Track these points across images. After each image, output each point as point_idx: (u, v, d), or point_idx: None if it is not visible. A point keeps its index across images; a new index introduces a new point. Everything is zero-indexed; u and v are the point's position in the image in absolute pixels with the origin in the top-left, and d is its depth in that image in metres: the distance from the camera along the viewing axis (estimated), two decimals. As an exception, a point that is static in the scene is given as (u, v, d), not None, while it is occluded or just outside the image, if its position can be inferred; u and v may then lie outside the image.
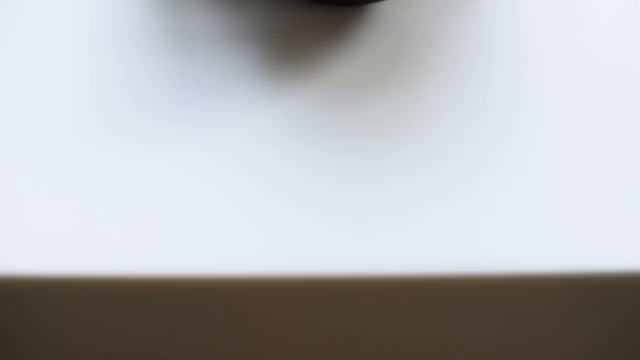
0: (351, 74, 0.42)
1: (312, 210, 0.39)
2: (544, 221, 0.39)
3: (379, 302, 0.39)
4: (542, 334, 0.41)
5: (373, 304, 0.39)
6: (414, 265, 0.38)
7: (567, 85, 0.42)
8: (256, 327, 0.40)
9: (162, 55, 0.42)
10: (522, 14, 0.43)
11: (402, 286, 0.38)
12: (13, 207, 0.39)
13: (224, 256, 0.38)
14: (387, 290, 0.38)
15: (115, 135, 0.40)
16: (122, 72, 0.42)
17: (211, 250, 0.38)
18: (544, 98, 0.41)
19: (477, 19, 0.43)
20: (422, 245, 0.38)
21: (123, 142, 0.40)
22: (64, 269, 0.38)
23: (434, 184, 0.39)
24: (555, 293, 0.39)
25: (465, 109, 0.41)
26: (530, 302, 0.39)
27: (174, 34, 0.42)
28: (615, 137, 0.41)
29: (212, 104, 0.41)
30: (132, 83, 0.41)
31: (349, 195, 0.39)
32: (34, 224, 0.39)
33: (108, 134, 0.40)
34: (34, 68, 0.42)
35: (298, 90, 0.41)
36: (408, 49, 0.42)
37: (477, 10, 0.43)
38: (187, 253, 0.38)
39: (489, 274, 0.38)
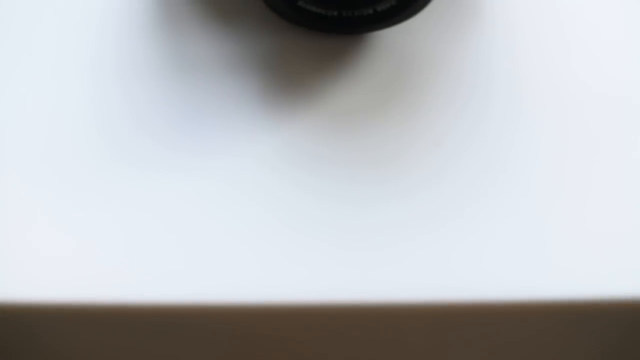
0: (351, 102, 0.42)
1: (313, 238, 0.39)
2: (545, 248, 0.39)
3: (379, 330, 0.39)
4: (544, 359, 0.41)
5: (374, 332, 0.39)
6: (415, 293, 0.38)
7: (565, 114, 0.42)
8: (256, 355, 0.40)
9: (164, 84, 0.42)
10: (519, 44, 0.44)
11: (402, 313, 0.38)
12: (14, 233, 0.39)
13: (225, 284, 0.38)
14: (388, 317, 0.38)
15: (117, 163, 0.41)
16: (124, 100, 0.42)
17: (211, 278, 0.38)
18: (542, 126, 0.42)
19: (475, 47, 0.43)
20: (423, 272, 0.38)
21: (124, 169, 0.41)
22: (64, 295, 0.38)
23: (434, 210, 0.40)
24: (556, 319, 0.39)
25: (464, 136, 0.41)
26: (532, 328, 0.40)
27: (175, 63, 0.43)
28: (613, 165, 0.41)
29: (213, 132, 0.41)
30: (134, 111, 0.42)
31: (349, 223, 0.39)
32: (34, 250, 0.39)
33: (109, 162, 0.41)
34: (38, 95, 0.42)
35: (298, 117, 0.42)
36: (407, 77, 0.43)
37: (474, 39, 0.44)
38: (187, 280, 0.38)
39: (490, 301, 0.38)
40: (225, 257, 0.39)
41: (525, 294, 0.38)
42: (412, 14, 0.41)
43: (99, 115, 0.42)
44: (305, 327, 0.39)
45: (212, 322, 0.39)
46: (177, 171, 0.41)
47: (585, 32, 0.44)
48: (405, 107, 0.42)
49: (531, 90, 0.43)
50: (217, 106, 0.42)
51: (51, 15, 0.44)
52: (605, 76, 0.43)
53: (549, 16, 0.44)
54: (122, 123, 0.42)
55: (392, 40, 0.44)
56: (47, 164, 0.41)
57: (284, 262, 0.39)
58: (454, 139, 0.41)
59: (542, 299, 0.38)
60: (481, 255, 0.39)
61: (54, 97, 0.42)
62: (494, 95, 0.43)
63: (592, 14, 0.44)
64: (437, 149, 0.41)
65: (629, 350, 0.41)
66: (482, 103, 0.42)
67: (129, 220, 0.39)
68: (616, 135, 0.42)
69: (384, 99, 0.42)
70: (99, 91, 0.42)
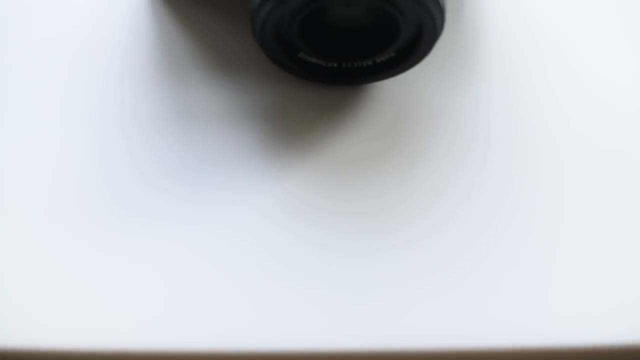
0: (351, 151, 0.43)
1: (313, 287, 0.39)
2: (544, 296, 0.39)
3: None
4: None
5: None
6: (416, 341, 0.38)
7: (561, 165, 0.43)
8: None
9: (167, 133, 0.43)
10: (515, 95, 0.44)
11: (402, 362, 0.39)
12: (17, 282, 0.40)
13: (226, 332, 0.39)
14: (388, 366, 0.39)
15: (120, 212, 0.41)
16: (127, 149, 0.43)
17: (212, 327, 0.39)
18: (539, 176, 0.42)
19: (472, 98, 0.44)
20: (423, 322, 0.39)
21: (127, 219, 0.41)
22: (68, 343, 0.38)
23: (434, 260, 0.40)
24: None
25: (463, 186, 0.42)
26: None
27: (178, 113, 0.43)
28: (610, 214, 0.41)
29: (214, 181, 0.42)
30: (137, 160, 0.42)
31: (349, 272, 0.40)
32: (37, 298, 0.39)
33: (112, 210, 0.41)
34: (42, 144, 0.43)
35: (298, 167, 0.42)
36: (406, 127, 0.43)
37: (472, 90, 0.44)
38: (187, 329, 0.39)
39: (492, 349, 0.38)
40: (225, 305, 0.39)
41: (525, 341, 0.39)
42: (410, 66, 0.42)
43: (102, 164, 0.42)
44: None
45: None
46: (179, 220, 0.41)
47: (581, 84, 0.45)
48: (405, 157, 0.43)
49: (528, 141, 0.43)
50: (219, 155, 0.42)
51: (56, 67, 0.45)
52: (600, 128, 0.44)
53: (546, 68, 0.45)
54: (125, 172, 0.42)
55: (391, 91, 0.44)
56: (52, 212, 0.41)
57: (284, 311, 0.39)
58: (452, 189, 0.42)
59: (541, 346, 0.39)
60: (482, 305, 0.39)
61: (59, 147, 0.43)
62: (491, 145, 0.43)
63: (588, 65, 0.45)
64: (437, 198, 0.42)
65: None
66: (480, 153, 0.43)
67: (131, 268, 0.40)
68: (612, 186, 0.42)
69: (384, 149, 0.43)
70: (103, 140, 0.43)
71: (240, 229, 0.41)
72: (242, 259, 0.40)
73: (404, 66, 0.42)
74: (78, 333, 0.38)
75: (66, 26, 0.46)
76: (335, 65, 0.42)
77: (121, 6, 0.47)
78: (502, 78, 0.45)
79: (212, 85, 0.44)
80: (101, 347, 0.38)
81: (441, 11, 0.39)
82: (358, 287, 0.39)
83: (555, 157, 0.43)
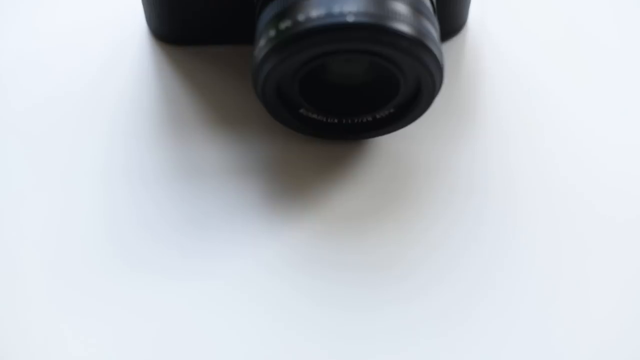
0: (351, 206, 0.43)
1: (314, 341, 0.40)
2: (543, 351, 0.40)
3: None
4: None
5: None
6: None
7: (558, 220, 0.43)
8: None
9: (170, 188, 0.43)
10: (513, 150, 0.45)
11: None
12: (19, 334, 0.40)
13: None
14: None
15: (123, 266, 0.41)
16: (131, 205, 0.43)
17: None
18: (536, 230, 0.43)
19: (470, 153, 0.45)
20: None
21: (130, 273, 0.41)
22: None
23: (434, 314, 0.40)
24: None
25: (462, 240, 0.42)
26: None
27: (181, 168, 0.44)
28: (607, 268, 0.42)
29: (216, 236, 0.42)
30: (141, 216, 0.43)
31: (350, 327, 0.40)
32: (40, 352, 0.39)
33: (116, 265, 0.41)
34: (47, 200, 0.43)
35: (299, 221, 0.43)
36: (405, 182, 0.44)
37: (470, 145, 0.45)
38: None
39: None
40: (228, 359, 0.39)
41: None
42: (410, 122, 0.43)
43: (106, 218, 0.43)
44: None
45: None
46: (182, 274, 0.41)
47: (577, 141, 0.45)
48: (404, 211, 0.43)
49: (526, 196, 0.44)
50: (221, 210, 0.43)
51: (62, 122, 0.46)
52: (595, 183, 0.44)
53: (543, 123, 0.46)
54: (128, 227, 0.43)
55: (391, 146, 0.45)
56: (56, 266, 0.41)
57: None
58: (452, 243, 0.42)
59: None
60: (482, 359, 0.39)
61: (63, 201, 0.43)
62: (490, 200, 0.44)
63: (584, 122, 0.46)
64: (436, 253, 0.42)
65: None
66: (479, 207, 0.43)
67: (135, 323, 0.40)
68: (609, 240, 0.43)
69: (383, 203, 0.43)
70: (107, 195, 0.43)
71: (242, 283, 0.41)
72: (243, 313, 0.40)
73: (403, 122, 0.43)
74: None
75: (71, 82, 0.47)
76: (336, 121, 0.43)
77: (125, 63, 0.47)
78: (499, 133, 0.45)
79: (215, 140, 0.45)
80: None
81: (439, 68, 0.40)
82: (359, 341, 0.40)
83: (552, 212, 0.43)
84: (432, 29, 0.40)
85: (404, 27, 0.38)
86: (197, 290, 0.41)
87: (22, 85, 0.47)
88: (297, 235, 0.42)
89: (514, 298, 0.41)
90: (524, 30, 0.49)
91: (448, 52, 0.47)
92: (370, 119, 0.43)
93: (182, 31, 0.47)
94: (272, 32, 0.39)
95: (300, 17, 0.38)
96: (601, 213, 0.43)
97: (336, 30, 0.38)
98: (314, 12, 0.38)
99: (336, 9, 0.38)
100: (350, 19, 0.38)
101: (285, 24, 0.38)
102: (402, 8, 0.39)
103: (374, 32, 0.38)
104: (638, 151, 0.45)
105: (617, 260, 0.42)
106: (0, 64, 0.47)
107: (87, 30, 0.48)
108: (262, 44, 0.39)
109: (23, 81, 0.47)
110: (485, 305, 0.41)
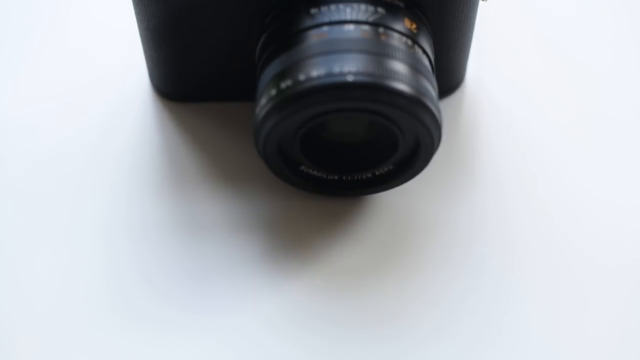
0: (351, 261, 0.44)
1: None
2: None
3: None
4: None
5: None
6: None
7: (557, 274, 0.43)
8: None
9: (172, 243, 0.44)
10: (511, 205, 0.45)
11: None
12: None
13: None
14: None
15: (125, 321, 0.42)
16: (132, 260, 0.43)
17: None
18: (535, 284, 0.43)
19: (468, 208, 0.45)
20: None
21: (131, 327, 0.42)
22: None
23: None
24: None
25: (461, 295, 0.43)
26: None
27: (183, 223, 0.44)
28: (605, 321, 0.42)
29: (217, 291, 0.43)
30: (142, 271, 0.43)
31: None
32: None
33: (118, 320, 0.42)
34: (50, 254, 0.44)
35: (300, 277, 0.43)
36: (404, 237, 0.44)
37: (468, 200, 0.45)
38: None
39: None
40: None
41: None
42: (409, 178, 0.43)
43: (108, 274, 0.43)
44: None
45: None
46: (183, 329, 0.41)
47: (573, 196, 0.46)
48: (404, 267, 0.43)
49: (523, 249, 0.44)
50: (222, 265, 0.43)
51: (65, 177, 0.46)
52: (591, 237, 0.44)
53: (539, 177, 0.46)
54: (130, 282, 0.43)
55: (390, 201, 0.45)
56: (58, 319, 0.42)
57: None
58: (450, 298, 0.42)
59: None
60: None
61: (66, 258, 0.44)
62: (488, 254, 0.44)
63: (580, 178, 0.46)
64: (435, 308, 0.42)
65: None
66: (478, 262, 0.44)
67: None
68: (605, 289, 0.43)
69: (383, 259, 0.44)
70: (109, 251, 0.44)
71: (243, 338, 0.41)
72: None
73: (402, 178, 0.43)
74: None
75: (76, 138, 0.47)
76: (336, 177, 0.44)
77: (129, 119, 0.48)
78: (497, 188, 0.46)
79: (217, 196, 0.45)
80: None
81: (438, 126, 0.40)
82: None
83: (550, 266, 0.44)
84: (430, 88, 0.40)
85: (402, 86, 0.39)
86: (198, 346, 0.41)
87: (27, 141, 0.47)
88: (297, 291, 0.43)
89: (515, 350, 0.41)
90: (520, 87, 0.49)
91: (446, 108, 0.47)
92: (370, 175, 0.43)
93: (184, 89, 0.48)
94: (273, 91, 0.39)
95: (301, 77, 0.39)
96: (596, 261, 0.44)
97: (336, 90, 0.38)
98: (315, 72, 0.39)
99: (336, 69, 0.38)
100: (350, 78, 0.38)
101: (286, 83, 0.39)
102: (400, 67, 0.39)
103: (373, 91, 0.38)
104: (627, 203, 0.45)
105: (614, 307, 0.42)
106: (7, 119, 0.48)
107: (91, 86, 0.49)
108: (263, 103, 0.40)
109: (28, 137, 0.47)
110: (486, 359, 0.41)
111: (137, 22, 0.45)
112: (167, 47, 0.45)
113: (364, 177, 0.44)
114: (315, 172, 0.43)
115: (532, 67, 0.50)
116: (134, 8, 0.44)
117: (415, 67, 0.40)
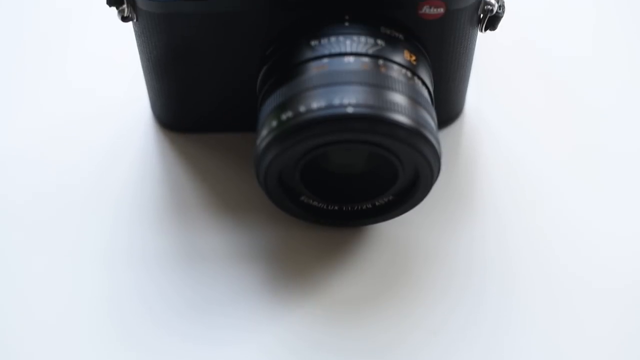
0: (351, 291, 0.44)
1: None
2: None
3: None
4: None
5: None
6: None
7: (556, 303, 0.44)
8: None
9: (172, 273, 0.44)
10: (510, 235, 0.45)
11: None
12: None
13: None
14: None
15: (125, 351, 0.42)
16: (133, 290, 0.44)
17: None
18: (535, 314, 0.43)
19: (468, 239, 0.45)
20: None
21: (131, 356, 0.42)
22: None
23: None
24: None
25: (459, 326, 0.43)
26: None
27: (184, 253, 0.45)
28: (604, 349, 0.42)
29: (218, 321, 0.43)
30: (143, 301, 0.43)
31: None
32: None
33: (118, 349, 0.42)
34: (52, 285, 0.44)
35: (300, 307, 0.43)
36: (404, 267, 0.45)
37: (467, 230, 0.46)
38: None
39: None
40: None
41: None
42: (408, 208, 0.44)
43: (110, 304, 0.43)
44: None
45: None
46: (183, 359, 0.42)
47: (571, 225, 0.46)
48: (404, 296, 0.44)
49: (523, 280, 0.44)
50: (223, 295, 0.43)
51: (68, 208, 0.46)
52: (592, 267, 0.45)
53: (537, 207, 0.47)
54: (131, 312, 0.43)
55: (390, 231, 0.45)
56: (59, 349, 0.42)
57: None
58: (451, 327, 0.43)
59: None
60: None
61: (68, 286, 0.44)
62: (488, 284, 0.44)
63: (577, 207, 0.47)
64: (435, 338, 0.42)
65: None
66: (477, 292, 0.44)
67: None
68: (604, 316, 0.43)
69: (383, 289, 0.44)
70: (111, 280, 0.44)
71: (244, 369, 0.42)
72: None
73: (402, 208, 0.44)
74: None
75: (78, 168, 0.48)
76: (336, 208, 0.44)
77: (131, 150, 0.48)
78: (496, 218, 0.46)
79: (217, 226, 0.45)
80: None
81: (437, 157, 0.41)
82: None
83: (550, 296, 0.44)
84: (430, 119, 0.41)
85: (402, 118, 0.39)
86: (199, 376, 0.41)
87: (30, 172, 0.48)
88: (298, 321, 0.43)
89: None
90: (519, 118, 0.50)
91: (446, 138, 0.48)
92: (369, 206, 0.44)
93: (185, 119, 0.48)
94: (274, 123, 0.40)
95: (302, 108, 0.39)
96: (596, 290, 0.44)
97: (336, 121, 0.39)
98: (315, 104, 0.39)
99: (336, 101, 0.39)
100: (350, 110, 0.39)
101: (286, 115, 0.39)
102: (400, 99, 0.40)
103: (372, 123, 0.39)
104: (623, 232, 0.46)
105: (614, 332, 0.43)
106: (10, 150, 0.48)
107: (94, 118, 0.49)
108: (264, 134, 0.40)
109: (31, 168, 0.48)
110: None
111: (139, 53, 0.45)
112: (168, 79, 0.46)
113: (364, 207, 0.44)
114: (315, 203, 0.43)
115: (530, 99, 0.51)
116: (136, 40, 0.44)
117: (414, 98, 0.40)
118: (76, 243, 0.45)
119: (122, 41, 0.49)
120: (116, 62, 0.51)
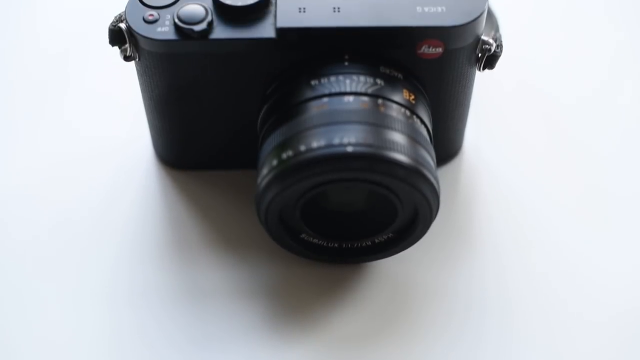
0: (350, 328, 0.44)
1: None
2: None
3: None
4: None
5: None
6: None
7: (555, 340, 0.44)
8: None
9: (173, 310, 0.44)
10: (509, 272, 0.46)
11: None
12: None
13: None
14: None
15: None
16: (134, 326, 0.44)
17: None
18: (535, 350, 0.43)
19: (467, 276, 0.46)
20: None
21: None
22: None
23: None
24: None
25: (460, 362, 0.43)
26: None
27: (185, 290, 0.45)
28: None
29: (218, 357, 0.43)
30: (144, 337, 0.43)
31: None
32: None
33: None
34: (54, 320, 0.44)
35: (300, 344, 0.43)
36: (403, 304, 0.45)
37: (466, 267, 0.46)
38: None
39: None
40: None
41: None
42: (408, 245, 0.44)
43: (111, 340, 0.44)
44: None
45: None
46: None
47: (568, 259, 0.46)
48: (404, 334, 0.44)
49: (522, 318, 0.44)
50: (224, 331, 0.44)
51: (70, 245, 0.47)
52: (592, 304, 0.45)
53: (535, 244, 0.47)
54: (132, 348, 0.43)
55: (390, 268, 0.46)
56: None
57: None
58: (450, 364, 0.43)
59: None
60: None
61: (69, 323, 0.44)
62: (486, 321, 0.44)
63: (573, 241, 0.47)
64: (434, 375, 0.43)
65: None
66: (476, 329, 0.44)
67: None
68: (603, 351, 0.43)
69: (383, 325, 0.44)
70: (111, 317, 0.44)
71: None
72: None
73: (401, 246, 0.44)
74: None
75: (81, 205, 0.48)
76: (336, 245, 0.44)
77: (132, 187, 0.49)
78: (495, 254, 0.46)
79: (218, 263, 0.46)
80: None
81: (435, 195, 0.41)
82: None
83: (549, 333, 0.44)
84: (429, 157, 0.41)
85: (400, 157, 0.39)
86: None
87: (32, 209, 0.48)
88: (298, 358, 0.43)
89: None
90: (517, 156, 0.50)
91: (444, 175, 0.48)
92: (369, 243, 0.44)
93: (187, 157, 0.49)
94: (274, 161, 0.40)
95: (302, 147, 0.40)
96: (593, 321, 0.44)
97: (336, 160, 0.39)
98: (315, 143, 0.39)
99: (336, 140, 0.39)
100: (349, 149, 0.39)
101: (287, 154, 0.40)
102: (399, 138, 0.40)
103: (372, 162, 0.39)
104: (621, 271, 0.46)
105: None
106: (13, 188, 0.49)
107: (96, 155, 0.50)
108: (265, 172, 0.41)
109: (34, 205, 0.48)
110: None
111: (142, 92, 0.46)
112: (170, 117, 0.46)
113: (364, 244, 0.44)
114: (315, 240, 0.44)
115: (529, 138, 0.51)
116: (139, 79, 0.45)
117: (413, 137, 0.41)
118: (78, 280, 0.45)
119: (123, 80, 0.50)
120: (118, 101, 0.52)
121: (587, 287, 0.45)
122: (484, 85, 0.51)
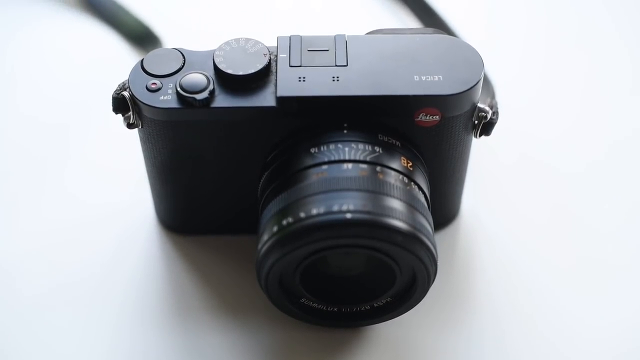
0: (350, 392, 0.44)
1: None
2: None
3: None
4: None
5: None
6: None
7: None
8: None
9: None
10: (507, 335, 0.46)
11: None
12: None
13: None
14: None
15: None
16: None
17: None
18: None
19: (466, 339, 0.46)
20: None
21: None
22: None
23: None
24: None
25: None
26: None
27: (185, 355, 0.45)
28: None
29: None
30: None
31: None
32: None
33: None
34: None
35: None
36: (403, 368, 0.45)
37: (465, 331, 0.46)
38: None
39: None
40: None
41: None
42: (406, 309, 0.44)
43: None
44: None
45: None
46: None
47: (567, 323, 0.47)
48: (402, 398, 0.44)
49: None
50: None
51: (70, 310, 0.47)
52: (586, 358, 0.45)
53: (533, 308, 0.47)
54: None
55: (389, 332, 0.46)
56: None
57: None
58: None
59: None
60: None
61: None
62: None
63: (571, 306, 0.47)
64: None
65: None
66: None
67: None
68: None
69: (381, 390, 0.44)
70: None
71: None
72: None
73: (400, 310, 0.44)
74: None
75: (82, 270, 0.48)
76: (335, 309, 0.45)
77: (134, 252, 0.49)
78: (493, 319, 0.47)
79: (219, 327, 0.46)
80: None
81: (433, 260, 0.42)
82: None
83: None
84: (426, 223, 0.42)
85: (398, 223, 0.40)
86: None
87: (33, 274, 0.48)
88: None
89: None
90: (515, 222, 0.51)
91: (442, 240, 0.49)
92: (368, 307, 0.44)
93: (189, 222, 0.49)
94: (275, 228, 0.41)
95: (302, 214, 0.40)
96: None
97: (335, 227, 0.40)
98: (315, 210, 0.40)
99: (335, 207, 0.40)
100: (348, 216, 0.40)
101: (287, 220, 0.40)
102: (397, 205, 0.41)
103: (370, 229, 0.40)
104: (619, 336, 0.46)
105: None
106: (14, 256, 0.49)
107: (98, 220, 0.50)
108: (265, 239, 0.41)
109: (35, 270, 0.49)
110: None
111: (144, 159, 0.46)
112: (172, 183, 0.47)
113: (363, 309, 0.45)
114: (315, 305, 0.44)
115: (525, 204, 0.52)
116: (141, 145, 0.46)
117: (411, 204, 0.41)
118: (79, 344, 0.46)
119: (124, 148, 0.51)
120: (119, 168, 0.53)
121: (588, 353, 0.46)
122: (482, 153, 0.52)
